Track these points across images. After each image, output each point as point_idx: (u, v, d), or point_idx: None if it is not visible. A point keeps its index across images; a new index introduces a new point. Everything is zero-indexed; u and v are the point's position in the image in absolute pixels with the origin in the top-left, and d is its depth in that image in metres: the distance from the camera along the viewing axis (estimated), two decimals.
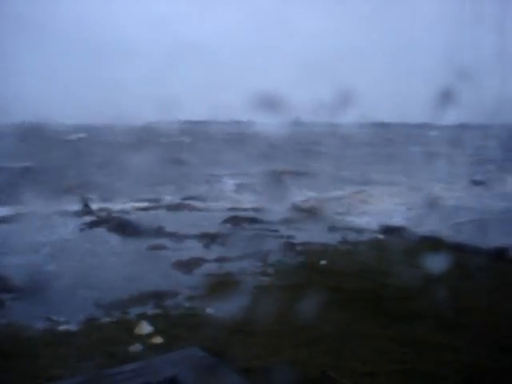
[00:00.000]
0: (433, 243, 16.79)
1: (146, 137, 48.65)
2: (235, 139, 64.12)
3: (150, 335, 8.34)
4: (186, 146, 60.48)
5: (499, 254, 15.10)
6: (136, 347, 8.15)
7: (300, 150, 58.07)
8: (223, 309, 10.88)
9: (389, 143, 70.98)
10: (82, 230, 19.52)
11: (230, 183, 34.73)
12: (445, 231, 19.16)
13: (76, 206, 23.50)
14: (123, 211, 23.62)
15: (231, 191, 31.89)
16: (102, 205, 25.18)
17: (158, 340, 8.29)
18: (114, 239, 18.18)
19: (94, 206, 24.37)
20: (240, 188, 33.09)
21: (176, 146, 56.45)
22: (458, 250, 14.57)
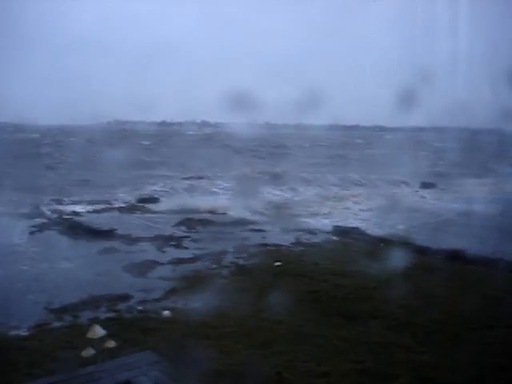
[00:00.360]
0: (385, 244, 17.06)
1: (103, 137, 47.90)
2: (199, 140, 63.94)
3: (103, 339, 8.17)
4: (147, 147, 59.86)
5: (453, 255, 15.41)
6: (89, 352, 7.98)
7: (262, 152, 58.35)
8: (178, 312, 10.82)
9: (349, 145, 72.08)
10: (32, 232, 19.07)
11: (185, 185, 34.47)
12: (397, 232, 19.51)
13: (26, 208, 22.97)
14: (75, 213, 23.20)
15: (187, 193, 31.66)
16: (53, 207, 24.71)
17: (111, 344, 8.12)
18: (65, 242, 17.84)
19: (45, 208, 23.88)
20: (196, 190, 32.92)
21: (136, 146, 55.73)
22: (410, 251, 14.80)
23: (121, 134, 60.02)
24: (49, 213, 23.04)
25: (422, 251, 15.88)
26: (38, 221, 21.02)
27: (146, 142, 63.96)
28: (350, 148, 67.58)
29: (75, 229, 19.25)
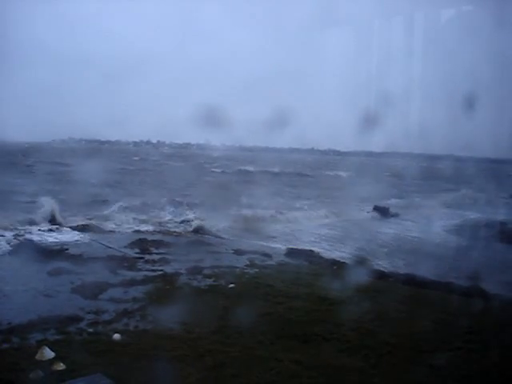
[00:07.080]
0: (339, 267, 17.26)
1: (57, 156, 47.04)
2: (160, 161, 63.46)
3: (52, 361, 8.03)
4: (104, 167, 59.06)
5: (405, 279, 15.68)
6: (37, 374, 7.83)
7: (219, 173, 58.50)
8: (129, 334, 10.68)
9: (315, 169, 72.91)
10: None
11: (138, 206, 34.06)
12: (351, 255, 19.78)
13: None
14: (25, 232, 22.64)
15: (139, 214, 31.28)
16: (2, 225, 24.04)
17: (60, 366, 8.00)
18: (15, 262, 17.40)
19: None
20: (148, 210, 32.58)
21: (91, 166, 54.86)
22: (363, 274, 14.99)
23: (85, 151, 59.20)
24: None
25: (374, 274, 16.10)
26: None
27: (112, 160, 63.13)
28: (320, 171, 68.62)
29: (25, 248, 18.77)
